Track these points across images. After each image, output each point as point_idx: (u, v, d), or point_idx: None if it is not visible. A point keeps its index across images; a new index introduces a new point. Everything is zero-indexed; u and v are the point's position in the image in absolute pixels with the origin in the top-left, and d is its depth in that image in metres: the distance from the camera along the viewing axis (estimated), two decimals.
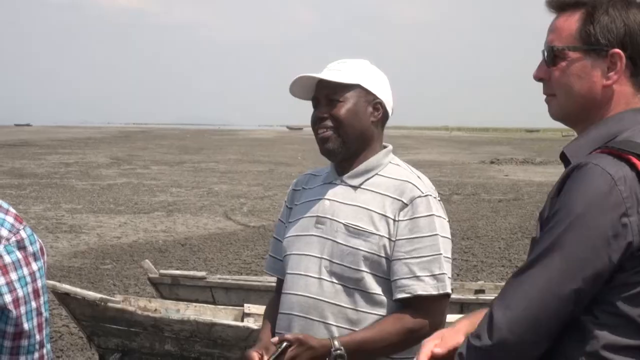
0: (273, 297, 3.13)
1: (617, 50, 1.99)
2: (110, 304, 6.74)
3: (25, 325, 1.74)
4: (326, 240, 2.85)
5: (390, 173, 2.88)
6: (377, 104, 2.88)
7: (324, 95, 2.87)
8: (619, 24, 1.99)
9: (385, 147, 2.96)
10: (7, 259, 1.69)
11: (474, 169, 36.55)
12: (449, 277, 2.81)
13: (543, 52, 2.10)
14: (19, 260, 1.70)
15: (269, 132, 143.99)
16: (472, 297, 7.75)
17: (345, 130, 2.85)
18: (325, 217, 2.87)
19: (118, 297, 7.17)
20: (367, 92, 2.86)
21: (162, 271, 8.57)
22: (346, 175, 2.91)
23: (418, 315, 2.76)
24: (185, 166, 36.36)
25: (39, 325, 1.79)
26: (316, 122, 2.90)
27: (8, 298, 1.70)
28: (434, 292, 2.75)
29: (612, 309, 1.85)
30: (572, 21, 2.05)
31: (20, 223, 1.73)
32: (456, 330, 2.08)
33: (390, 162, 2.92)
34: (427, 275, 2.75)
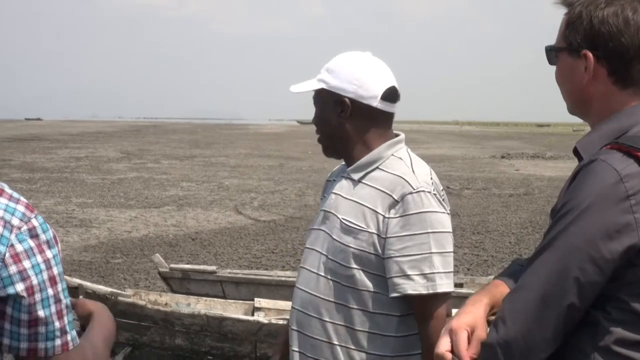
0: None
1: (585, 51, 2.03)
2: (120, 298, 6.75)
3: (41, 313, 1.73)
4: (327, 235, 2.86)
5: (390, 167, 2.82)
6: (343, 102, 2.85)
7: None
8: (587, 24, 2.03)
9: (397, 135, 2.93)
10: (20, 247, 1.69)
11: (484, 163, 36.48)
12: (445, 274, 2.73)
13: None
14: (31, 248, 1.70)
15: (280, 126, 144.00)
16: None
17: (321, 136, 2.97)
18: (330, 212, 2.88)
19: (128, 291, 7.19)
20: (330, 93, 2.87)
21: (172, 265, 8.58)
22: (350, 168, 2.90)
23: (421, 325, 2.74)
24: (196, 160, 36.40)
25: (58, 312, 1.78)
26: None
27: (20, 286, 1.70)
28: (424, 292, 2.69)
29: (624, 306, 1.86)
30: (563, 22, 2.12)
31: (32, 212, 1.73)
32: (476, 314, 2.03)
33: (392, 155, 2.86)
34: (417, 274, 2.69)
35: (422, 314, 2.73)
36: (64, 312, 1.80)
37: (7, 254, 1.67)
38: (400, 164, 2.83)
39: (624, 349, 1.85)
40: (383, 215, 2.73)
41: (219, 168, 31.77)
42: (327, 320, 2.81)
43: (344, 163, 3.06)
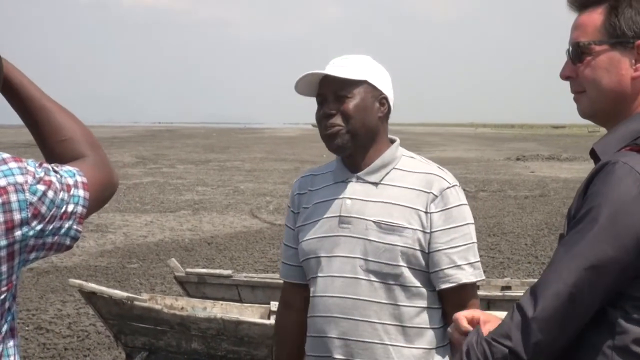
0: (284, 314, 3.15)
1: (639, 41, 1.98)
2: (136, 303, 6.77)
3: (71, 207, 1.82)
4: (357, 239, 2.83)
5: (408, 166, 2.89)
6: (383, 99, 2.90)
7: (332, 91, 2.85)
8: None
9: (393, 140, 2.97)
10: (35, 198, 1.72)
11: (499, 165, 36.40)
12: (479, 262, 2.92)
13: (568, 50, 2.10)
14: (43, 192, 1.74)
15: (294, 130, 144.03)
16: (498, 293, 7.73)
17: (354, 126, 2.83)
18: (350, 217, 2.85)
19: (145, 296, 7.20)
20: (374, 88, 2.87)
21: (188, 270, 8.60)
22: (362, 172, 2.89)
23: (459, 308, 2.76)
24: (211, 165, 36.46)
25: (86, 185, 1.85)
26: (323, 118, 2.87)
27: (52, 225, 1.77)
28: (474, 280, 2.86)
29: None
30: (596, 16, 2.05)
31: (21, 161, 1.74)
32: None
33: (403, 155, 2.93)
34: (466, 264, 2.84)
35: (463, 301, 2.81)
36: (78, 187, 1.85)
37: (30, 214, 1.70)
38: (417, 163, 2.93)
39: None
40: (424, 212, 2.81)
41: (234, 172, 31.81)
42: (376, 321, 2.81)
43: (310, 173, 3.08)
